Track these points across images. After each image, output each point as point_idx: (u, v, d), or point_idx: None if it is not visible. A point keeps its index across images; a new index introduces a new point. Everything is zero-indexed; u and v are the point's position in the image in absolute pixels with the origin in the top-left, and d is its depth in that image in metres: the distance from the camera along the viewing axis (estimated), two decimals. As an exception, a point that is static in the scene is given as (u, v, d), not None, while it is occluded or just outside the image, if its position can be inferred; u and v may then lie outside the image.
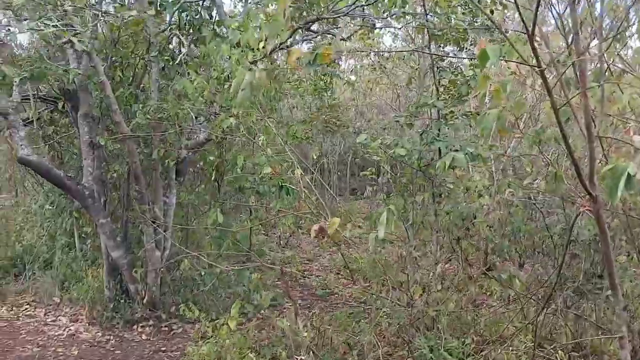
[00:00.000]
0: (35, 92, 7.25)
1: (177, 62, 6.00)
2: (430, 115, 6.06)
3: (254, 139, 5.64)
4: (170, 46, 6.73)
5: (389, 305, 5.50)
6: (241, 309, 5.80)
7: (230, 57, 4.64)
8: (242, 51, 4.39)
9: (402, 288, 5.53)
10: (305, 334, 5.06)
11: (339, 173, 15.84)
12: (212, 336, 5.50)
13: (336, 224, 3.36)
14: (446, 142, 5.12)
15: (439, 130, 5.32)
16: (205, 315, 6.13)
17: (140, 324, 6.74)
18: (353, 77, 12.43)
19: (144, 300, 6.82)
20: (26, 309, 7.43)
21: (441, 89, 6.07)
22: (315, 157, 11.15)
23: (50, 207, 8.61)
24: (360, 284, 7.05)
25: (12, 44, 6.30)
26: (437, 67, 5.91)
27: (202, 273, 6.82)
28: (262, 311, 6.67)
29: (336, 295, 7.75)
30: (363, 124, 13.13)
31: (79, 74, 6.17)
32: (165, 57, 6.27)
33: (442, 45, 6.65)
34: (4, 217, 9.86)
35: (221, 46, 4.95)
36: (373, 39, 7.80)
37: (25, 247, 8.82)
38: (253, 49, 4.35)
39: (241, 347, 5.37)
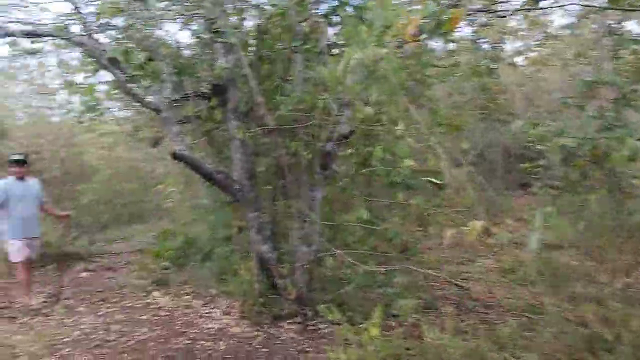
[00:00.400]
0: (196, 90, 7.45)
1: (319, 50, 5.72)
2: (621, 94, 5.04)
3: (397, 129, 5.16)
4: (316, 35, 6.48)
5: (556, 321, 4.71)
6: (388, 312, 5.37)
7: (367, 40, 4.20)
8: (380, 32, 3.95)
9: (572, 302, 4.70)
10: (453, 349, 4.49)
11: (506, 166, 14.53)
12: (354, 341, 5.14)
13: (477, 228, 2.77)
14: (629, 129, 4.17)
15: (618, 113, 4.37)
16: (351, 316, 5.80)
17: (287, 321, 6.61)
18: (518, 59, 11.23)
19: (292, 297, 6.69)
20: (185, 299, 7.72)
21: (621, 63, 5.02)
22: (466, 148, 10.23)
23: (210, 202, 8.89)
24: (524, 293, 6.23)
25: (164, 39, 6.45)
26: (615, 34, 4.89)
27: (347, 272, 6.49)
28: (413, 316, 6.15)
29: (498, 304, 6.94)
30: (531, 111, 11.83)
31: (225, 68, 6.17)
32: (307, 47, 6.02)
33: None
34: (172, 210, 10.48)
35: (359, 29, 4.54)
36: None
37: (188, 239, 9.23)
38: (390, 29, 3.90)
39: (384, 355, 4.94)
